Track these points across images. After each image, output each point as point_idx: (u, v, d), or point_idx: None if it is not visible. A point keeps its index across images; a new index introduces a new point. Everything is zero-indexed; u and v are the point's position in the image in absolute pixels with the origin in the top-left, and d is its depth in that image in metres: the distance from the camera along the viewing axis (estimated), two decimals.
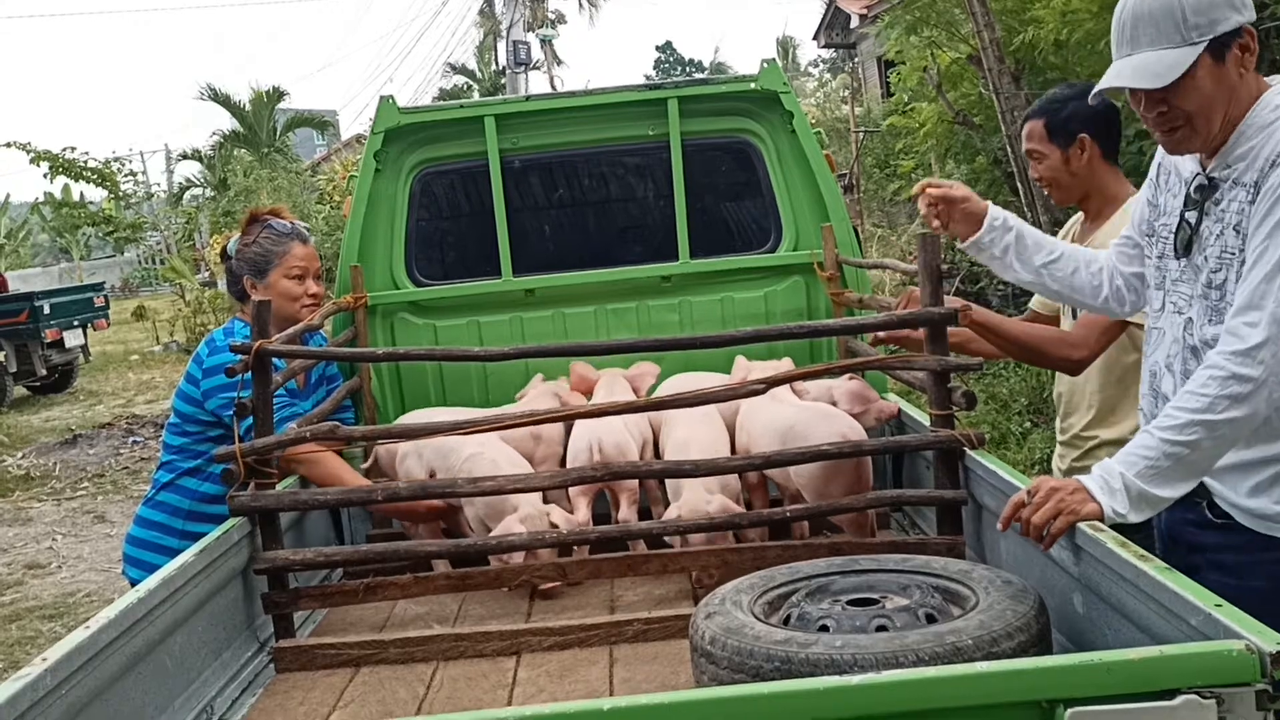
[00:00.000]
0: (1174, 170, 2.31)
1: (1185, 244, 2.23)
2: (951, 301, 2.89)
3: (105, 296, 17.11)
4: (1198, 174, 2.21)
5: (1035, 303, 3.42)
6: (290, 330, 3.15)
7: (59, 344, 15.17)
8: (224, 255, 3.53)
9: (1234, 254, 2.09)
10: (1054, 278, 2.58)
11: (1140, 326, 2.85)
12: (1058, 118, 3.02)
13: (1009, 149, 8.64)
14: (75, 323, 15.56)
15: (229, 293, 3.59)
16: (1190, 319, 2.20)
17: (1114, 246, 2.55)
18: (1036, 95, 8.38)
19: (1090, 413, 3.03)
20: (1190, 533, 2.28)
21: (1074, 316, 3.01)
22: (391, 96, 3.97)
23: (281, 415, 3.09)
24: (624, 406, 3.06)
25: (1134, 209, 2.49)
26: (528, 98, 4.17)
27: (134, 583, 3.02)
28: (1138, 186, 3.16)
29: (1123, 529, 2.01)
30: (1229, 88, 2.10)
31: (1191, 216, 2.20)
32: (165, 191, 33.42)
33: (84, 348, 16.18)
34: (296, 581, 2.92)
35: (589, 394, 3.59)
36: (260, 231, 3.40)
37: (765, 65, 4.00)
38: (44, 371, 15.17)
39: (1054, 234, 3.29)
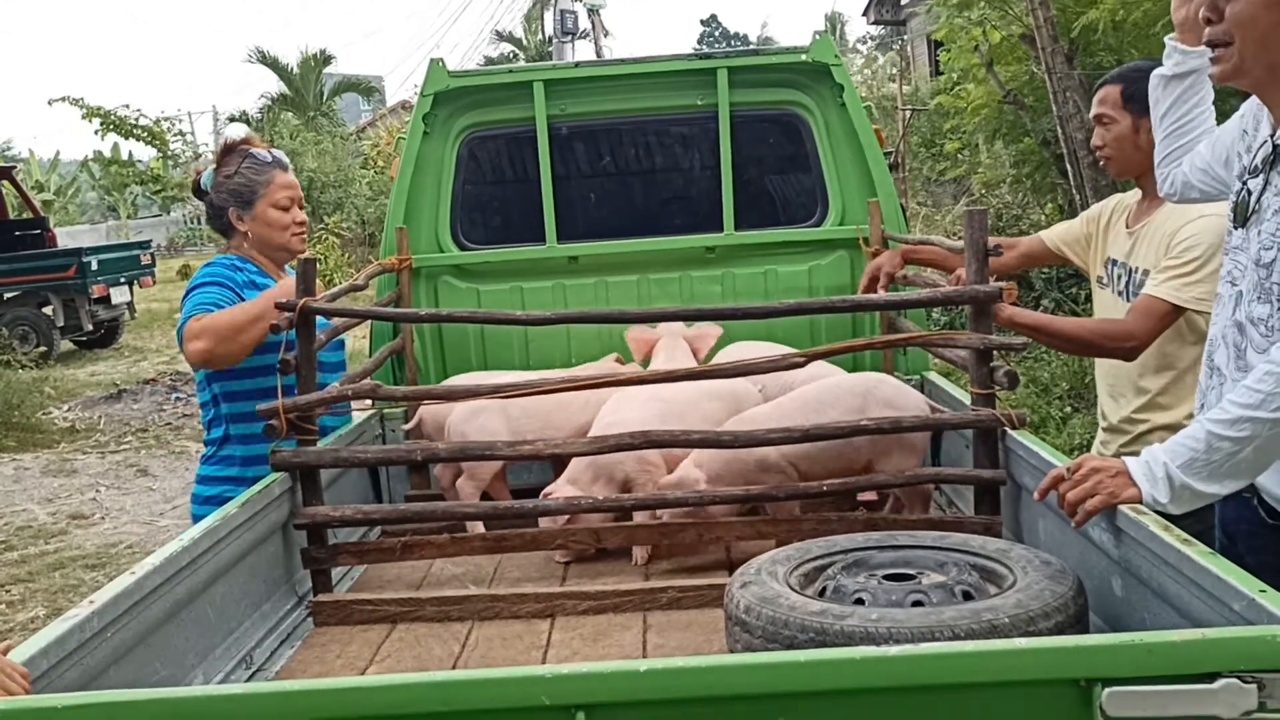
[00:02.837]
0: (1256, 127, 2.16)
1: (1243, 213, 2.12)
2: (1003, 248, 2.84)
3: (152, 254, 17.28)
4: (1267, 139, 2.08)
5: (1051, 234, 3.38)
6: (336, 290, 3.18)
7: (105, 300, 15.35)
8: (198, 190, 3.36)
9: None
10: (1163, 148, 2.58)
11: (1197, 313, 2.81)
12: (1136, 87, 2.93)
13: (1059, 130, 8.51)
14: (122, 279, 15.73)
15: (211, 227, 3.41)
16: (1241, 292, 2.10)
17: (1211, 138, 2.44)
18: (1089, 75, 8.29)
19: (1140, 399, 2.98)
20: (1245, 531, 2.20)
21: (1129, 298, 2.96)
22: (441, 59, 3.97)
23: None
24: (659, 376, 3.06)
25: (1229, 124, 2.32)
26: (577, 64, 4.15)
27: None
28: None
29: (1175, 517, 1.97)
30: None
31: (1254, 185, 2.09)
32: (213, 153, 33.71)
33: (130, 304, 16.37)
34: (335, 538, 2.96)
35: (647, 357, 3.57)
36: (241, 162, 3.23)
37: (817, 37, 3.97)
38: (90, 326, 15.35)
39: None
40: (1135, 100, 2.95)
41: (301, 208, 3.32)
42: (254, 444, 3.00)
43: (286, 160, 3.35)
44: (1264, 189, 2.06)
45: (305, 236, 3.32)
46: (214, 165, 3.30)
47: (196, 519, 2.85)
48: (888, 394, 3.05)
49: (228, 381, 3.08)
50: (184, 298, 3.10)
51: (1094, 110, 3.07)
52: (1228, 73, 2.06)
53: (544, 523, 2.92)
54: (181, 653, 2.25)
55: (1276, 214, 2.01)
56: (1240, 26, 1.99)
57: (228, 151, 3.30)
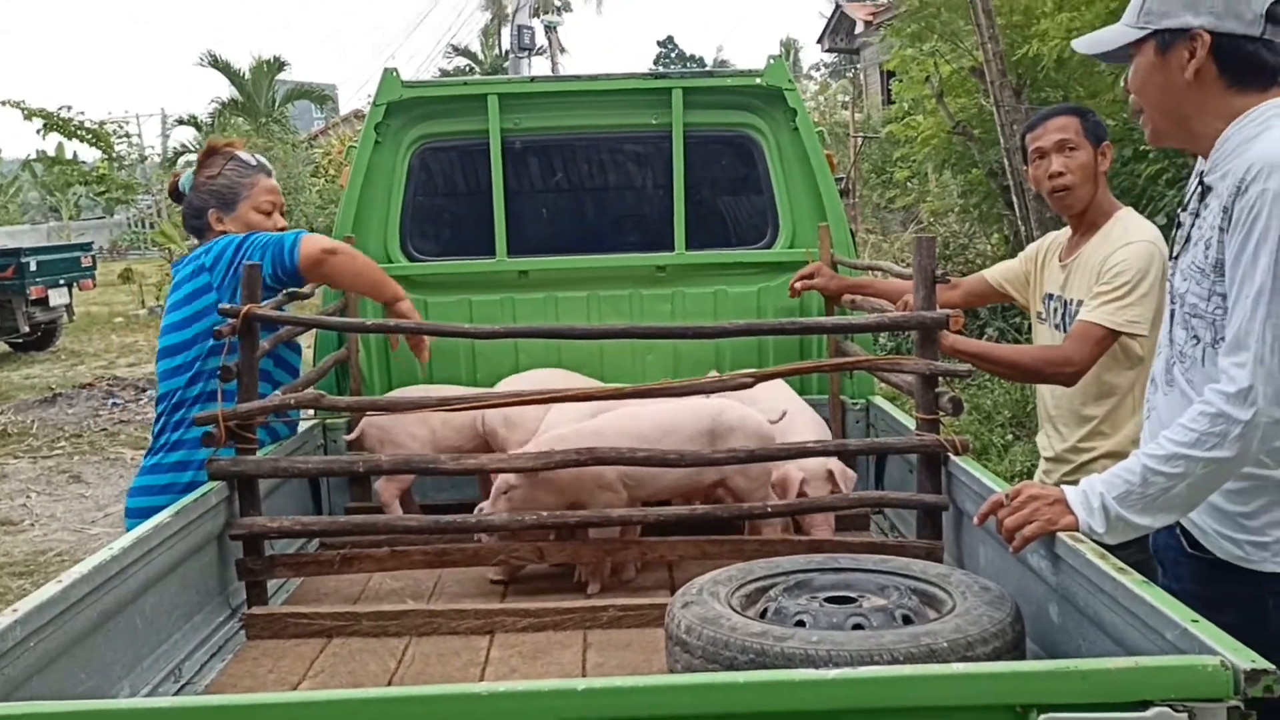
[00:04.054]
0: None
1: (1173, 246, 2.21)
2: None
3: (93, 257, 16.98)
4: (1199, 177, 2.17)
5: (994, 273, 3.41)
6: (280, 297, 3.14)
7: (43, 302, 15.04)
8: (175, 193, 3.33)
9: (1197, 270, 2.05)
10: None
11: (1131, 336, 2.86)
12: (1090, 120, 3.05)
13: (1006, 161, 8.66)
14: (61, 281, 15.43)
15: (185, 228, 3.37)
16: (1174, 313, 2.16)
17: None
18: (1036, 109, 8.44)
19: (1083, 428, 3.01)
20: (1171, 560, 2.24)
21: (1065, 329, 3.00)
22: (395, 69, 3.95)
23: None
24: (608, 393, 3.05)
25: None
26: (532, 79, 4.15)
27: None
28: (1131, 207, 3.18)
29: (1117, 545, 2.00)
30: (1174, 88, 2.08)
31: (1186, 219, 2.17)
32: (160, 156, 33.22)
33: (68, 307, 16.05)
34: (272, 549, 2.91)
35: None
36: (225, 163, 3.21)
37: (771, 61, 4.00)
38: (27, 328, 15.02)
39: None
40: (1091, 132, 3.02)
41: (283, 214, 3.31)
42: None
43: (270, 167, 3.35)
44: (1193, 222, 2.13)
45: None
46: (194, 168, 3.28)
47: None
48: (733, 419, 3.05)
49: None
50: (238, 248, 3.06)
51: (1053, 137, 3.03)
52: (1151, 137, 2.25)
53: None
54: (108, 664, 2.19)
55: (1195, 245, 2.09)
56: (1141, 96, 2.17)
57: (211, 153, 3.27)
